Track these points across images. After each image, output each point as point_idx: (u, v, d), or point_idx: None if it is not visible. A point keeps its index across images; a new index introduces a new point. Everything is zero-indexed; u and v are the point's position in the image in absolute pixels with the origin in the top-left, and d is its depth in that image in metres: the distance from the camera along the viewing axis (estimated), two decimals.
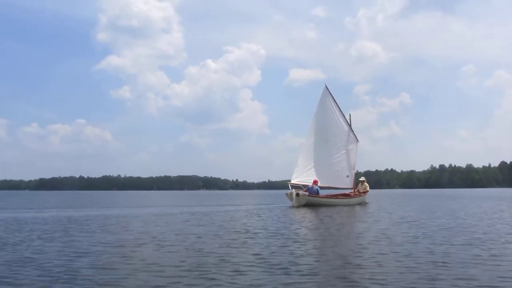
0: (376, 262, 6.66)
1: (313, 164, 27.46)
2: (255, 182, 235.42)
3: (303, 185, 25.95)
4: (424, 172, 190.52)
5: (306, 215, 17.39)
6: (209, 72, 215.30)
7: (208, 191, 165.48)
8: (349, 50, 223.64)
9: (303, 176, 26.87)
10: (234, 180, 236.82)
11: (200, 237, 9.77)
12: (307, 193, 24.67)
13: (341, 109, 28.48)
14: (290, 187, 25.67)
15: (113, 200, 44.56)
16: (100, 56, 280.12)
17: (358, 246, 8.30)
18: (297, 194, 24.00)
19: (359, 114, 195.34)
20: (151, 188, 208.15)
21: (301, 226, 12.43)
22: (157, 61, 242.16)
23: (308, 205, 23.88)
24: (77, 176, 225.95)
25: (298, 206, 23.46)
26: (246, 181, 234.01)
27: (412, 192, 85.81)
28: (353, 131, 28.51)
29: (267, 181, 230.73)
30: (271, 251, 7.75)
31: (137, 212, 20.70)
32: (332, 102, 28.07)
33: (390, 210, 20.80)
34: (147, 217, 16.84)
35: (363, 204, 27.18)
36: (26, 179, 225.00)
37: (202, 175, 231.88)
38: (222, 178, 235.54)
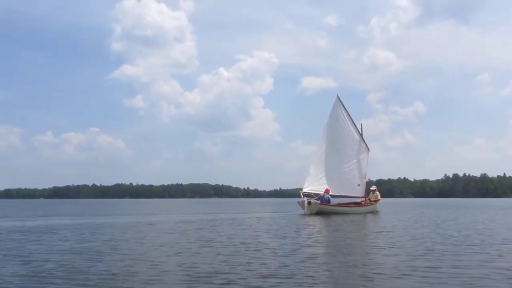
0: (303, 272, 6.64)
1: (324, 173, 28.01)
2: (266, 190, 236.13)
3: (314, 194, 26.56)
4: (437, 181, 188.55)
5: (288, 223, 17.56)
6: (221, 80, 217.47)
7: (218, 199, 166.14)
8: (362, 58, 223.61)
9: (314, 184, 27.42)
10: (245, 188, 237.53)
11: (157, 247, 9.91)
12: (318, 202, 25.21)
13: (353, 119, 29.06)
14: (302, 196, 26.24)
15: (115, 208, 44.97)
16: (114, 66, 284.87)
17: (304, 256, 8.19)
18: (309, 203, 24.62)
19: (371, 122, 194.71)
20: (162, 196, 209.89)
21: (271, 235, 12.34)
22: (170, 70, 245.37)
23: (319, 213, 24.40)
24: (90, 185, 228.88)
25: (310, 214, 24.00)
26: (257, 189, 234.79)
27: (422, 201, 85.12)
28: (364, 141, 28.92)
29: (278, 189, 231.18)
30: (209, 261, 7.74)
31: (125, 220, 21.10)
32: (343, 112, 28.63)
33: (380, 219, 20.96)
34: (129, 225, 17.21)
35: (374, 212, 27.42)
36: (40, 187, 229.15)
37: (213, 183, 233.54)
38: (233, 186, 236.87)
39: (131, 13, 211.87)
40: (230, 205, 53.70)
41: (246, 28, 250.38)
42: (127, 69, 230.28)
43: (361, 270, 6.81)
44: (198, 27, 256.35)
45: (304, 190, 26.89)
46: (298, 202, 26.00)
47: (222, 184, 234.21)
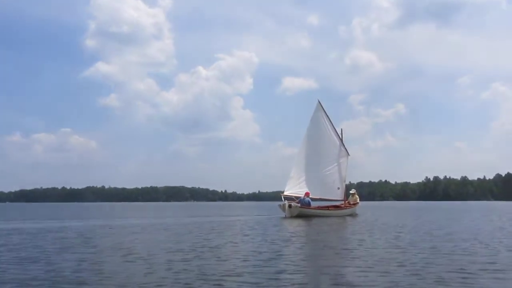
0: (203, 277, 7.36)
1: (305, 176, 29.78)
2: (245, 193, 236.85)
3: (295, 197, 28.19)
4: (418, 184, 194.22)
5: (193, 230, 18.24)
6: (199, 79, 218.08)
7: (195, 203, 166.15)
8: (343, 59, 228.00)
9: (295, 188, 29.14)
10: (223, 191, 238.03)
11: (71, 253, 10.74)
12: (299, 205, 26.87)
13: (333, 124, 31.17)
14: (283, 199, 27.86)
15: (65, 212, 44.68)
16: (88, 63, 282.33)
17: (215, 261, 9.14)
18: (290, 206, 26.35)
19: (353, 124, 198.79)
20: (136, 200, 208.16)
21: (179, 241, 13.27)
22: (146, 68, 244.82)
23: (300, 216, 26.17)
24: (60, 187, 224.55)
25: (291, 217, 25.78)
26: (235, 192, 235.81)
27: (401, 204, 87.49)
28: (344, 145, 31.06)
29: (257, 192, 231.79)
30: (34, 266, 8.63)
31: (45, 226, 21.67)
32: (324, 117, 30.65)
33: (349, 222, 22.66)
34: (41, 230, 18.17)
35: (353, 215, 29.46)
36: (7, 190, 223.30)
37: (190, 186, 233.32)
38: (211, 189, 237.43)
39: (107, 9, 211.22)
40: (211, 209, 54.03)
41: (226, 27, 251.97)
42: (101, 67, 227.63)
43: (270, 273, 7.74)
44: (176, 25, 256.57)
45: (285, 193, 28.63)
46: (279, 205, 27.68)
47: (199, 187, 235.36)
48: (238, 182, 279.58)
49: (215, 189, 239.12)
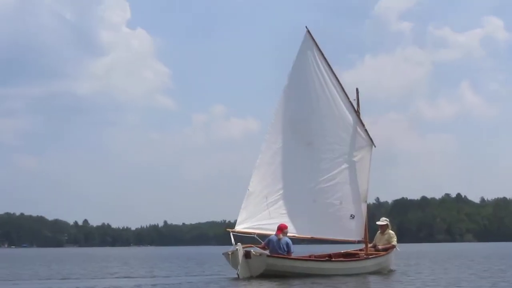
0: None
1: (281, 192, 28.96)
2: (133, 227, 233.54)
3: (258, 235, 27.72)
4: None
5: None
6: None
7: (11, 250, 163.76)
8: None
9: (259, 216, 28.38)
10: (80, 222, 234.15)
11: None
12: (266, 252, 26.60)
13: (339, 79, 29.98)
14: (232, 240, 27.27)
15: None
16: None
17: None
18: (247, 255, 25.69)
19: (388, 63, 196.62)
20: None
21: None
22: None
23: (268, 274, 25.62)
24: None
25: (250, 278, 25.55)
26: (109, 225, 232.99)
27: (494, 250, 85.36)
28: (362, 123, 30.23)
29: (161, 224, 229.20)
30: None
31: None
32: (321, 64, 29.64)
33: None
34: None
35: (384, 272, 29.42)
36: None
37: (1, 211, 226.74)
38: (50, 218, 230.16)
39: None
40: (18, 263, 53.67)
41: None
42: None
43: None
44: None
45: (237, 228, 28.22)
46: (226, 254, 27.07)
47: (22, 214, 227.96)
48: (116, 202, 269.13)
49: (60, 218, 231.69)
